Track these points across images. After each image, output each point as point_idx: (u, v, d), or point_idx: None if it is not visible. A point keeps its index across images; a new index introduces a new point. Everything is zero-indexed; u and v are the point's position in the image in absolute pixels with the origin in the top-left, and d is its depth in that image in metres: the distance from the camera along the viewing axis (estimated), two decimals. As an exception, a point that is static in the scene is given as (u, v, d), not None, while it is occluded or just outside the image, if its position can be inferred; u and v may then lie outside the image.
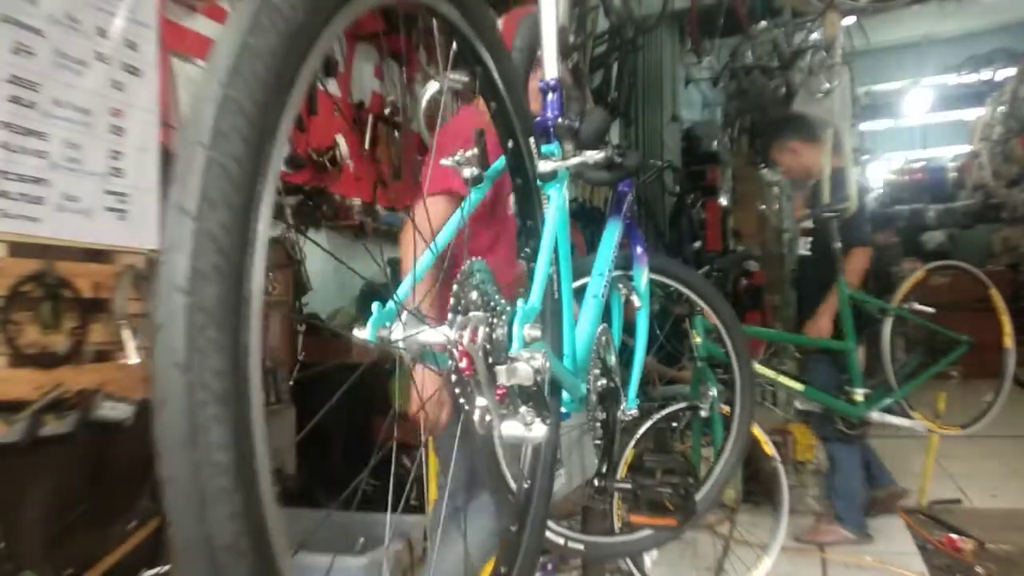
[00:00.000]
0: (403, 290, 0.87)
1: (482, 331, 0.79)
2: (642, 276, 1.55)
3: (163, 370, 0.44)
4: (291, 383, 3.06)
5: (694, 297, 1.72)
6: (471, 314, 0.81)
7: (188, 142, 0.48)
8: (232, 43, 0.50)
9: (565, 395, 1.12)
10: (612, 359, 1.39)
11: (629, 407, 1.44)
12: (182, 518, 0.44)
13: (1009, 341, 3.44)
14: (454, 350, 0.80)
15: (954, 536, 3.26)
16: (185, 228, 0.46)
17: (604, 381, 1.35)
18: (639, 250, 1.56)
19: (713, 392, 2.46)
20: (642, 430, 2.65)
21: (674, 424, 3.01)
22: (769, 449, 2.86)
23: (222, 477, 0.44)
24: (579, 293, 1.30)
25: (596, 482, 1.38)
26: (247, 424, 0.46)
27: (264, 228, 0.49)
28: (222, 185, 0.47)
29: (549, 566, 2.98)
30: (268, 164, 0.50)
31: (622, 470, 2.38)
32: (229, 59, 0.49)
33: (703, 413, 2.51)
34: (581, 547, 1.54)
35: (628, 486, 1.39)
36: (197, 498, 0.44)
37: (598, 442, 1.35)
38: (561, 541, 1.51)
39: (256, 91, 0.49)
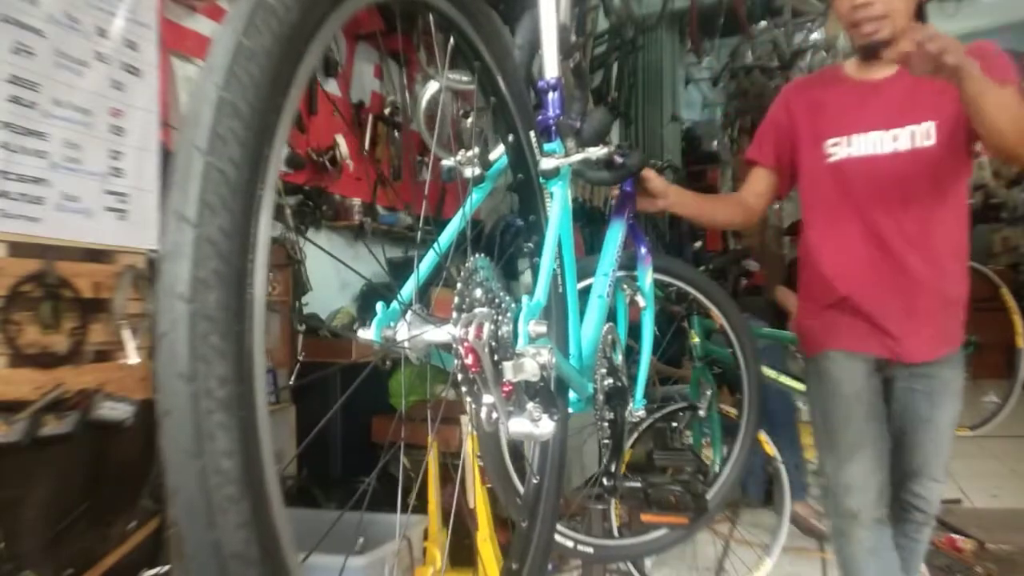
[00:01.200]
0: (406, 290, 0.86)
1: (487, 327, 0.78)
2: (646, 276, 1.55)
3: (167, 380, 0.44)
4: (291, 383, 3.05)
5: (701, 298, 1.71)
6: (476, 310, 0.81)
7: (185, 147, 0.47)
8: (227, 45, 0.49)
9: (573, 394, 1.11)
10: (619, 358, 1.39)
11: (636, 407, 1.44)
12: (191, 527, 0.44)
13: (1022, 341, 3.41)
14: (459, 347, 0.79)
15: (954, 536, 3.25)
16: (185, 235, 0.45)
17: (611, 380, 1.35)
18: (643, 250, 1.56)
19: (708, 392, 2.46)
20: (640, 429, 2.64)
21: (674, 424, 3.01)
22: (770, 449, 2.86)
23: (230, 486, 0.43)
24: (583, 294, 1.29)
25: (605, 481, 1.37)
26: (253, 430, 0.45)
27: (265, 232, 0.48)
28: (221, 190, 0.46)
29: (549, 566, 2.98)
30: (267, 167, 0.49)
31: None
32: (224, 62, 0.48)
33: (701, 413, 2.51)
34: (590, 550, 1.53)
35: (638, 485, 1.37)
36: (205, 507, 0.43)
37: (606, 441, 1.34)
38: (570, 544, 1.50)
39: (252, 94, 0.48)
